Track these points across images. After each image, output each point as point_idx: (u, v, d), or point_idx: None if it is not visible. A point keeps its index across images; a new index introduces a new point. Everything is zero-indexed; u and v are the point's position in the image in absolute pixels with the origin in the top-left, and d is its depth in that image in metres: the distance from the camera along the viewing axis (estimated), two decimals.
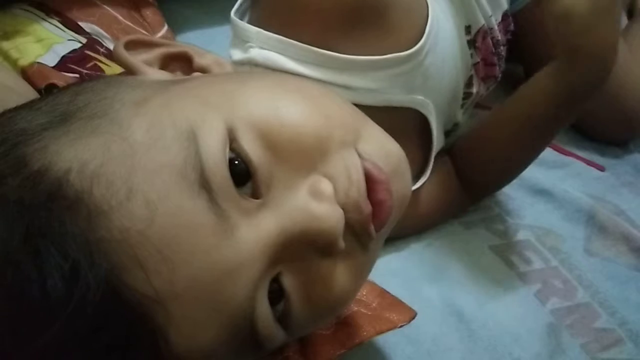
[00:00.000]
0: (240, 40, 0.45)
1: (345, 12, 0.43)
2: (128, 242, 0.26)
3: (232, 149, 0.30)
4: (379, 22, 0.45)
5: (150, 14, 0.72)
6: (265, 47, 0.44)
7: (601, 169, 0.68)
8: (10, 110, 0.32)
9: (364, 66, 0.45)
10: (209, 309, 0.28)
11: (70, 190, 0.27)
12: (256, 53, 0.44)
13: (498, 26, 0.57)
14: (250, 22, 0.46)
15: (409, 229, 0.54)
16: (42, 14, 0.64)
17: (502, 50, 0.59)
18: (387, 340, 0.47)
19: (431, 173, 0.55)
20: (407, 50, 0.46)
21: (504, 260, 0.57)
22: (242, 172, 0.30)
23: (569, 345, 0.50)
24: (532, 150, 0.55)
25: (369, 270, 0.37)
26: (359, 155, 0.34)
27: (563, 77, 0.47)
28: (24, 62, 0.57)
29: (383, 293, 0.47)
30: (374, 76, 0.45)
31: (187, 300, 0.27)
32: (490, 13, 0.55)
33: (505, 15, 0.59)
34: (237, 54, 0.45)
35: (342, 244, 0.31)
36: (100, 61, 0.61)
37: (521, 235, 0.59)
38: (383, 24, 0.45)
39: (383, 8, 0.45)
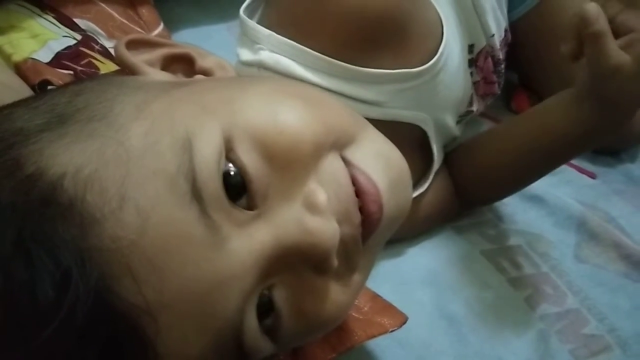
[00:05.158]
0: (249, 41, 0.45)
1: (366, 30, 0.43)
2: (120, 251, 0.26)
3: (228, 159, 0.30)
4: (398, 42, 0.45)
5: (146, 12, 0.72)
6: (277, 51, 0.44)
7: (592, 176, 0.68)
8: (6, 107, 0.32)
9: (375, 79, 0.45)
10: (198, 320, 0.28)
11: (64, 196, 0.26)
12: (266, 56, 0.44)
13: (500, 43, 0.57)
14: (260, 23, 0.46)
15: (402, 233, 0.55)
16: (37, 10, 0.63)
17: (502, 68, 0.60)
18: (378, 344, 0.47)
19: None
20: (419, 66, 0.46)
21: (495, 265, 0.57)
22: (237, 182, 0.30)
23: (558, 350, 0.50)
24: (533, 177, 0.55)
25: (362, 287, 0.37)
26: (350, 162, 0.33)
27: (585, 123, 0.47)
28: (17, 57, 0.56)
29: (375, 297, 0.47)
30: (383, 89, 0.46)
31: (176, 311, 0.27)
32: (493, 32, 0.55)
33: (505, 31, 0.60)
34: (246, 54, 0.45)
35: (335, 262, 0.31)
36: (95, 58, 0.61)
37: (512, 241, 0.60)
38: (401, 44, 0.45)
39: (404, 31, 0.45)
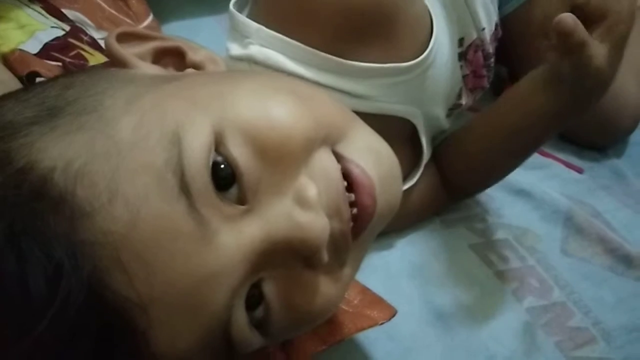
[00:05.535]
0: (239, 35, 0.45)
1: (353, 22, 0.43)
2: (111, 245, 0.26)
3: (219, 153, 0.30)
4: (385, 35, 0.45)
5: (135, 2, 0.71)
6: (266, 45, 0.43)
7: (580, 170, 0.69)
8: None
9: (365, 73, 0.45)
10: (188, 314, 0.28)
11: (54, 190, 0.26)
12: (256, 50, 0.43)
13: (490, 37, 0.58)
14: (249, 17, 0.46)
15: (391, 226, 0.55)
16: (25, 0, 0.62)
17: (492, 62, 0.60)
18: (367, 336, 0.48)
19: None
20: (409, 61, 0.46)
21: (483, 258, 0.58)
22: (227, 177, 0.30)
23: (544, 343, 0.51)
24: (516, 160, 0.55)
25: (352, 280, 0.37)
26: (342, 156, 0.34)
27: (560, 102, 0.47)
28: (5, 48, 0.56)
29: (364, 290, 0.48)
30: (373, 83, 0.46)
31: (166, 305, 0.27)
32: (483, 26, 0.55)
33: (495, 25, 0.60)
34: (235, 49, 0.45)
35: (325, 256, 0.31)
36: (84, 50, 0.60)
37: (500, 234, 0.60)
38: (389, 37, 0.45)
39: (392, 23, 0.45)
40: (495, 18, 0.59)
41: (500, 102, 0.54)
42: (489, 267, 0.57)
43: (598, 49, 0.41)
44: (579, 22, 0.39)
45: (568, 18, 0.39)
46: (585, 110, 0.48)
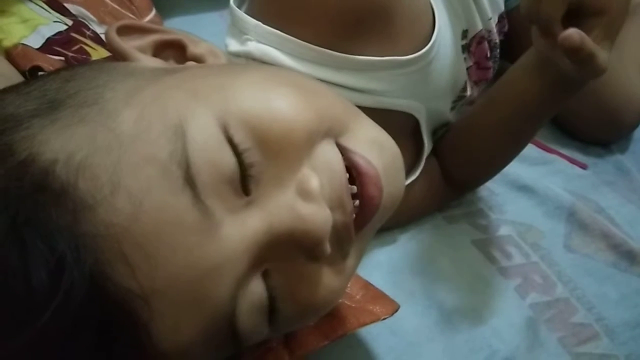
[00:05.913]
0: (238, 31, 0.45)
1: (352, 18, 0.43)
2: (114, 237, 0.26)
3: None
4: (383, 29, 0.44)
5: None
6: (264, 41, 0.43)
7: (583, 166, 0.69)
8: None
9: (363, 66, 0.45)
10: (191, 306, 0.28)
11: (56, 183, 0.26)
12: (253, 47, 0.43)
13: (495, 28, 0.57)
14: (248, 13, 0.46)
15: (394, 220, 0.55)
16: None
17: (498, 53, 0.60)
18: (370, 332, 0.48)
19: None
20: (410, 54, 0.46)
21: (486, 254, 0.58)
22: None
23: (547, 339, 0.51)
24: (515, 146, 0.55)
25: (354, 271, 0.37)
26: (346, 148, 0.34)
27: (548, 85, 0.47)
28: (7, 43, 0.56)
29: (367, 285, 0.48)
30: (372, 77, 0.45)
31: (169, 297, 0.27)
32: (490, 16, 0.55)
33: (501, 17, 0.60)
34: (234, 45, 0.45)
35: (327, 248, 0.31)
36: (86, 44, 0.60)
37: (503, 231, 0.60)
38: (387, 31, 0.45)
39: (389, 17, 0.44)
40: (502, 8, 0.59)
41: (491, 90, 0.54)
42: (492, 263, 0.57)
43: (602, 54, 0.41)
44: (584, 35, 0.38)
45: (574, 34, 0.38)
46: (574, 94, 0.48)
